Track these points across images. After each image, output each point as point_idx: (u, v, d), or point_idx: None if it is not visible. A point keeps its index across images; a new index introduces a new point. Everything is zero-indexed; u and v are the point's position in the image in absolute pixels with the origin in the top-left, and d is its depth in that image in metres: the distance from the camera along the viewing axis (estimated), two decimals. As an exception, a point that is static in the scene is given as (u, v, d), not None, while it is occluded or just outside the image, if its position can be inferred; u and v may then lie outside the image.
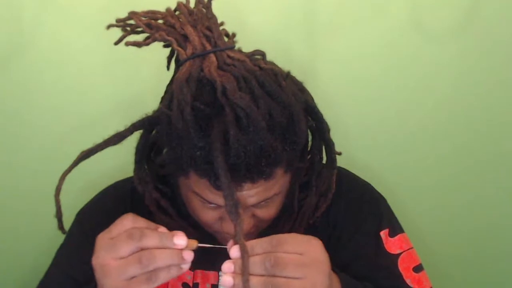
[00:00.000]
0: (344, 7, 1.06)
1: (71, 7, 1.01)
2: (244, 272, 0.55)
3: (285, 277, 0.56)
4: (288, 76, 0.68)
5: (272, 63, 0.69)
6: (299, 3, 1.06)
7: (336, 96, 1.10)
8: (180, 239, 0.58)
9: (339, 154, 0.76)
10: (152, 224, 0.61)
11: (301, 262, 0.57)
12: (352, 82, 1.11)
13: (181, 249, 0.58)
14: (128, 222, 0.60)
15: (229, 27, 0.73)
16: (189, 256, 0.58)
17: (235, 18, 0.75)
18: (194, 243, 0.60)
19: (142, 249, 0.58)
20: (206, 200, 0.65)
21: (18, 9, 0.99)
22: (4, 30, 1.00)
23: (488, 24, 1.09)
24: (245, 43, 0.72)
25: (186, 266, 0.59)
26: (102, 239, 0.61)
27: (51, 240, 0.84)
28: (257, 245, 0.58)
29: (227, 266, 0.57)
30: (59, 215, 0.66)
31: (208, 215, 0.69)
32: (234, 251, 0.58)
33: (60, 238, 0.77)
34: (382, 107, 1.13)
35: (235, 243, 0.57)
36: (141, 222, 0.60)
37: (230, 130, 0.58)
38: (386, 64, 1.11)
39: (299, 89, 0.69)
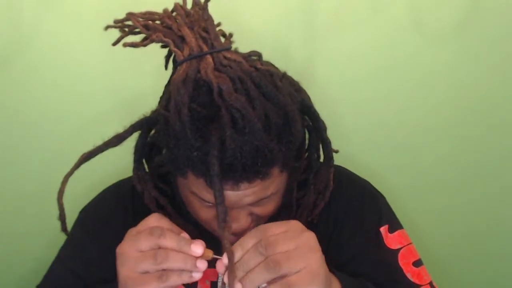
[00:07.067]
0: (344, 7, 1.06)
1: (71, 8, 1.01)
2: (230, 273, 0.58)
3: (281, 252, 0.59)
4: (284, 76, 0.68)
5: (269, 64, 0.69)
6: (298, 3, 1.05)
7: (336, 95, 1.10)
8: (197, 247, 0.61)
9: (336, 152, 0.77)
10: (176, 228, 0.64)
11: (289, 236, 0.61)
12: (352, 82, 1.11)
13: (196, 257, 0.60)
14: (153, 220, 0.64)
15: (227, 28, 0.73)
16: (202, 265, 0.61)
17: (233, 18, 0.75)
18: (210, 253, 0.62)
19: (160, 248, 0.60)
20: (203, 199, 0.66)
21: (18, 9, 0.99)
22: (4, 30, 1.00)
23: (488, 24, 1.09)
24: (243, 44, 0.72)
25: (197, 275, 0.61)
26: (130, 232, 0.64)
27: (51, 240, 0.84)
28: (245, 239, 0.61)
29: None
30: (62, 217, 0.68)
31: (206, 214, 0.70)
32: (226, 258, 0.60)
33: (61, 238, 0.78)
34: (382, 107, 1.13)
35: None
36: (165, 222, 0.64)
37: (226, 131, 0.59)
38: (386, 64, 1.10)
39: (296, 89, 0.70)
